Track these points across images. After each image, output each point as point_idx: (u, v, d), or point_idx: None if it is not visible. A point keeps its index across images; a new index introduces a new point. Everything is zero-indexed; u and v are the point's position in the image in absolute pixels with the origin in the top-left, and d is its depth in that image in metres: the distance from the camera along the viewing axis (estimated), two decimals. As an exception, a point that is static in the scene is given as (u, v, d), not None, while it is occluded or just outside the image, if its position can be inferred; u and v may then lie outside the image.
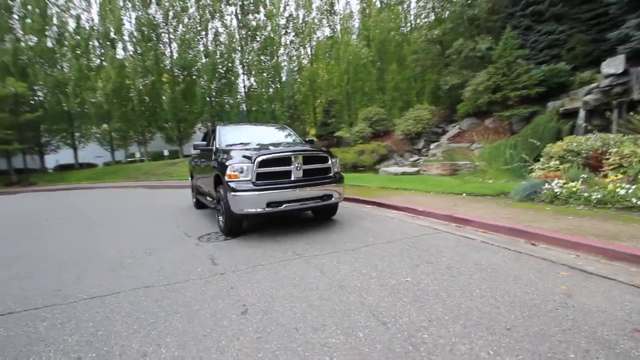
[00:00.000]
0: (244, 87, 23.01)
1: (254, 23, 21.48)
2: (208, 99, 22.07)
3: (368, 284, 2.80)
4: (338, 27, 21.64)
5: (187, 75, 21.99)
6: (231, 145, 5.25)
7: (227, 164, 4.40)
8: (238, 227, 4.61)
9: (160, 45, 21.80)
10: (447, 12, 17.68)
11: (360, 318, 2.25)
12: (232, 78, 22.20)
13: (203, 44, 22.20)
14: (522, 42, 17.57)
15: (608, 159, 4.79)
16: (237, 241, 4.40)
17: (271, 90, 20.49)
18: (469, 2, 16.91)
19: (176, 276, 3.21)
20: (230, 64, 21.91)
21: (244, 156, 4.39)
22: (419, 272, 3.00)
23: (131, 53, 21.74)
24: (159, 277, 3.20)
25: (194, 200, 7.66)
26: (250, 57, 21.99)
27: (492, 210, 4.83)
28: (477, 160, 9.06)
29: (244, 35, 21.65)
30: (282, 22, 20.62)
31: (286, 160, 4.43)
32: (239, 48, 21.78)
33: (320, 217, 5.46)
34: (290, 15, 20.85)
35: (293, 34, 21.26)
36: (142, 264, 3.72)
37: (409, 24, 21.45)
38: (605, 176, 4.68)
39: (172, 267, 3.48)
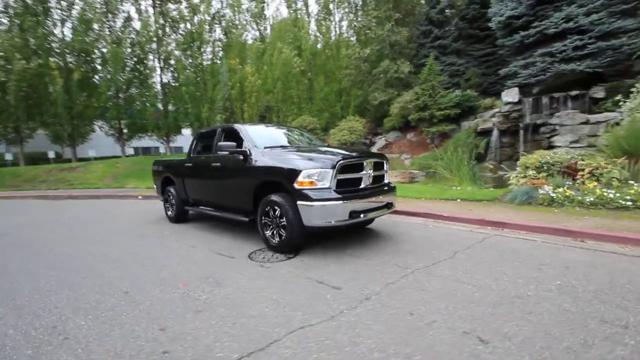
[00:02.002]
0: (161, 83, 20.20)
1: (175, 13, 19.15)
2: (112, 92, 18.49)
3: (525, 291, 2.81)
4: (269, 32, 21.19)
5: (86, 62, 18.00)
6: (270, 147, 4.58)
7: (296, 169, 3.82)
8: (302, 241, 4.03)
9: (49, 22, 17.32)
10: (373, 35, 19.22)
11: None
12: (147, 72, 19.21)
13: (109, 27, 18.60)
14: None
15: (583, 169, 6.04)
16: (308, 258, 3.85)
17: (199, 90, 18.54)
18: (393, 29, 18.78)
19: (308, 326, 2.35)
20: (142, 55, 18.92)
21: (318, 161, 3.88)
22: (544, 274, 3.16)
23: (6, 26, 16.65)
24: (284, 331, 2.26)
25: (171, 212, 6.34)
26: (169, 50, 19.49)
27: (510, 213, 5.46)
28: (438, 168, 10.06)
29: (163, 25, 19.09)
30: (209, 18, 18.95)
31: (360, 167, 4.12)
32: (156, 39, 19.05)
33: (357, 227, 5.21)
34: (218, 12, 19.38)
35: (221, 32, 19.80)
36: (223, 304, 2.90)
37: (337, 40, 22.52)
38: (583, 183, 5.88)
39: (281, 311, 2.61)
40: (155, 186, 7.08)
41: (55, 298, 3.03)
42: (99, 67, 18.79)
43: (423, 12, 20.74)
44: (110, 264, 3.99)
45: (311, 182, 3.75)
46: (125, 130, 20.39)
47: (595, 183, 5.67)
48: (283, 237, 3.98)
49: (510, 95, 14.77)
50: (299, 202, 3.77)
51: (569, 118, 11.77)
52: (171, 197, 6.34)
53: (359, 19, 21.22)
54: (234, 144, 4.59)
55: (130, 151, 25.71)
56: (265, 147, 4.56)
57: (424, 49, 21.14)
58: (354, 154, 4.13)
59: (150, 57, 19.62)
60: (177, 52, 19.25)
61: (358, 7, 22.79)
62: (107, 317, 2.62)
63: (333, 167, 3.78)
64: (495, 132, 13.93)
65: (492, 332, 2.17)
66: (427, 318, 2.38)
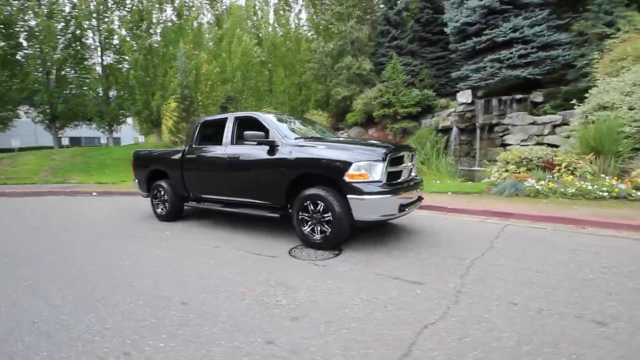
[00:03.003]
0: (102, 65, 17.77)
1: (117, -12, 16.93)
2: (41, 72, 15.73)
3: (585, 274, 3.04)
4: (226, 18, 19.89)
5: (7, 36, 14.95)
6: (302, 138, 4.31)
7: (347, 161, 3.64)
8: (346, 237, 3.86)
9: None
10: (336, 30, 19.30)
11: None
12: (84, 51, 16.68)
13: (37, -2, 15.70)
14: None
15: (560, 164, 6.76)
16: (356, 254, 3.71)
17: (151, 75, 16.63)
18: (355, 26, 19.04)
19: (430, 325, 2.22)
20: (80, 32, 16.41)
21: (367, 153, 3.74)
22: (583, 258, 3.44)
23: None
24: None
25: (161, 210, 5.67)
26: (112, 28, 17.22)
27: (507, 204, 5.90)
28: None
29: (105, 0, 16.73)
30: (158, -4, 17.14)
31: (401, 159, 4.07)
32: (96, 14, 16.65)
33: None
34: (168, -10, 17.64)
35: (173, 13, 18.04)
36: (314, 308, 2.67)
37: (296, 32, 22.12)
38: (561, 176, 6.59)
39: (386, 312, 2.48)
40: (136, 180, 6.23)
41: (106, 318, 2.47)
42: (25, 43, 15.86)
43: (381, 12, 21.38)
44: (132, 272, 3.41)
45: (363, 175, 3.61)
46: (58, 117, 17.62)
47: (572, 177, 6.40)
48: (328, 233, 3.78)
49: (464, 96, 16.00)
50: (349, 196, 3.60)
51: (519, 119, 13.16)
52: (162, 193, 5.64)
53: (319, 13, 21.13)
54: (263, 133, 4.22)
55: (66, 141, 22.40)
56: (296, 139, 4.28)
57: (382, 48, 21.83)
58: (393, 146, 4.07)
59: (90, 34, 17.17)
60: (123, 32, 17.13)
61: (317, 1, 22.66)
62: (187, 334, 2.21)
63: (384, 160, 3.68)
64: (454, 130, 14.99)
65: (600, 314, 2.30)
66: (532, 306, 2.44)
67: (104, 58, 17.55)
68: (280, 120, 4.69)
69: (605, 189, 5.73)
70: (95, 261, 3.76)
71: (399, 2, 20.65)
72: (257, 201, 4.46)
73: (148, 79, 16.67)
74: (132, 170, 6.31)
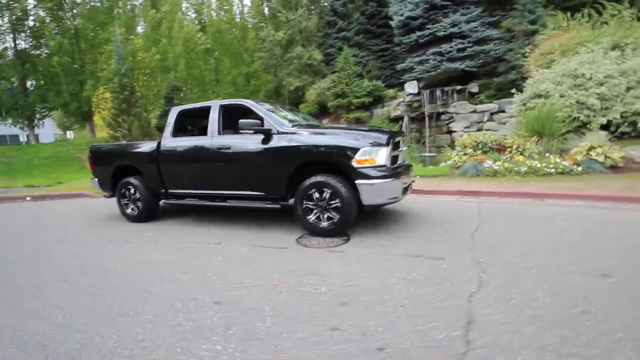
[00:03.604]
0: (15, 50, 15.10)
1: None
2: None
3: (593, 239, 3.49)
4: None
5: None
6: (295, 126, 4.21)
7: (355, 147, 3.65)
8: (354, 221, 3.90)
9: None
10: (284, 19, 18.95)
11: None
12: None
13: None
14: (337, 60, 21.60)
15: (511, 146, 7.55)
16: (364, 238, 3.78)
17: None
18: (306, 14, 18.89)
19: (474, 294, 2.36)
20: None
21: (371, 138, 3.79)
22: (571, 225, 3.93)
23: None
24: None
25: (132, 210, 5.15)
26: (25, 7, 14.67)
27: (473, 184, 6.46)
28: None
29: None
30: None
31: (398, 144, 4.20)
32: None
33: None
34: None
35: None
36: (355, 292, 2.69)
37: (242, 20, 21.19)
38: (512, 157, 7.37)
39: (428, 288, 2.58)
40: (96, 179, 5.51)
41: (134, 329, 2.19)
42: None
43: (328, 2, 21.46)
44: (136, 277, 3.06)
45: (370, 160, 3.66)
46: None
47: (522, 157, 7.21)
48: (336, 220, 3.78)
49: (411, 87, 16.93)
50: (358, 181, 3.64)
51: (462, 108, 14.35)
52: (133, 191, 5.09)
53: (265, 0, 20.52)
54: (259, 121, 4.03)
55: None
56: (293, 127, 4.17)
57: (329, 38, 22.00)
58: (391, 131, 4.18)
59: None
60: (40, 12, 14.75)
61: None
62: (241, 332, 2.07)
63: (388, 144, 3.77)
64: (406, 119, 15.82)
65: (600, 269, 2.67)
66: (547, 269, 2.73)
67: (17, 42, 14.98)
68: (270, 108, 4.51)
69: (551, 166, 6.57)
70: (82, 271, 3.29)
71: (345, -8, 20.94)
72: (253, 193, 4.27)
73: (75, 66, 14.70)
74: (90, 168, 5.58)
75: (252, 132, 4.00)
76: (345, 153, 3.68)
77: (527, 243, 3.35)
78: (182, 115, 4.90)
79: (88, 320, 2.34)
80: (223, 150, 4.31)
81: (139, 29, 17.72)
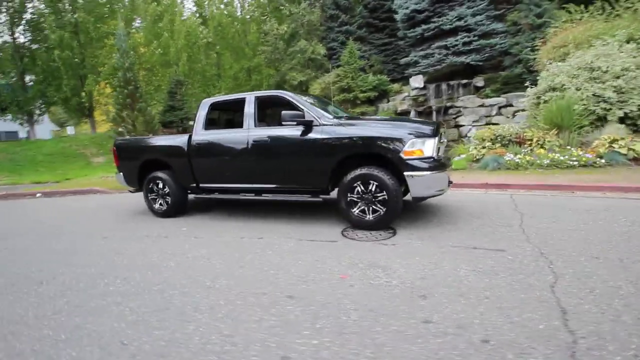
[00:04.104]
0: (14, 43, 14.65)
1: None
2: None
3: None
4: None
5: None
6: (336, 118, 4.13)
7: (404, 138, 3.59)
8: (399, 214, 3.86)
9: None
10: (287, 12, 18.72)
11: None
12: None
13: None
14: (340, 54, 21.48)
15: (531, 139, 7.56)
16: (409, 231, 3.73)
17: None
18: (310, 7, 18.66)
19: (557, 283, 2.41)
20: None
21: (417, 129, 3.73)
22: (615, 216, 3.92)
23: None
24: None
25: (161, 205, 5.05)
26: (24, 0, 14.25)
27: (498, 177, 6.44)
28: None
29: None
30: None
31: (441, 136, 4.15)
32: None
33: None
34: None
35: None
36: (430, 286, 2.64)
37: (243, 14, 20.89)
38: (532, 150, 7.39)
39: (508, 279, 2.59)
40: (121, 174, 5.38)
41: (216, 325, 2.12)
42: None
43: (331, -5, 21.22)
44: (194, 274, 2.98)
45: (419, 151, 3.61)
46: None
47: (543, 150, 7.22)
48: (382, 213, 3.73)
49: (417, 81, 16.88)
50: (407, 173, 3.58)
51: (470, 102, 14.35)
52: (161, 186, 4.98)
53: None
54: (302, 113, 3.95)
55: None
56: (335, 117, 4.10)
57: (332, 32, 21.80)
58: (436, 122, 4.12)
59: None
60: (40, 5, 14.34)
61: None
62: (330, 326, 2.02)
63: (435, 135, 3.72)
64: (412, 113, 15.77)
65: (668, 259, 2.67)
66: (611, 258, 2.72)
67: (16, 36, 14.53)
68: (309, 100, 4.42)
69: (574, 158, 6.60)
70: (131, 267, 3.20)
71: (348, -14, 20.74)
72: (292, 186, 4.20)
73: (77, 61, 14.38)
74: (115, 163, 5.44)
75: (295, 124, 3.92)
76: (393, 145, 3.62)
77: (579, 234, 3.34)
78: (213, 108, 4.78)
79: (161, 316, 2.26)
80: (262, 143, 4.22)
81: (139, 23, 17.33)
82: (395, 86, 18.31)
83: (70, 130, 15.24)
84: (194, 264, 3.18)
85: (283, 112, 3.87)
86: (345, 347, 1.83)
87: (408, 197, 3.88)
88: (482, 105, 14.09)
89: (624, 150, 6.36)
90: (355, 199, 3.85)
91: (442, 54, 16.29)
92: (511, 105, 13.41)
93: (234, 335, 1.99)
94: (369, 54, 21.11)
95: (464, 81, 16.06)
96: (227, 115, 4.99)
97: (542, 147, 7.38)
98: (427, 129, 3.75)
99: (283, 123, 3.91)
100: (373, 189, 3.74)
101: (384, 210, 3.73)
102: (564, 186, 5.55)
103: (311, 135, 3.93)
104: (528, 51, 14.07)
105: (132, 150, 5.28)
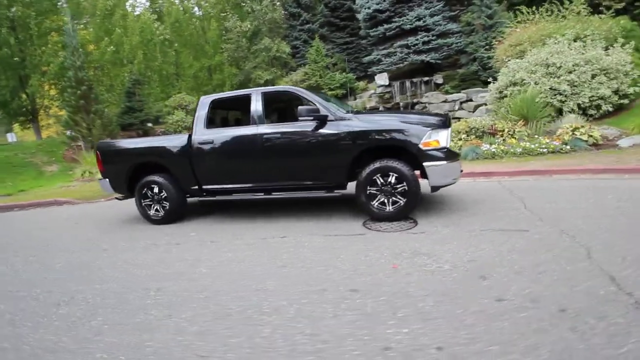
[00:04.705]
0: None
1: None
2: None
3: None
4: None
5: None
6: (349, 112, 4.14)
7: (423, 129, 3.70)
8: (417, 204, 3.96)
9: None
10: (249, 10, 18.30)
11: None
12: None
13: None
14: (303, 52, 21.56)
15: (503, 130, 8.14)
16: (428, 220, 3.86)
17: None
18: (272, 5, 18.40)
19: None
20: None
21: (431, 120, 3.85)
22: (604, 194, 4.37)
23: None
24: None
25: (157, 210, 4.70)
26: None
27: (479, 166, 6.85)
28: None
29: None
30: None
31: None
32: None
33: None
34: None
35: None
36: (486, 269, 2.75)
37: (205, 10, 20.00)
38: (504, 140, 7.97)
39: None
40: (106, 180, 4.89)
41: (293, 325, 2.02)
42: None
43: (291, -7, 21.08)
44: (233, 279, 2.81)
45: (436, 142, 3.73)
46: None
47: (514, 140, 7.82)
48: (402, 204, 3.81)
49: (382, 79, 17.42)
50: (427, 163, 3.69)
51: (435, 98, 15.10)
52: (157, 191, 4.62)
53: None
54: (316, 108, 3.89)
55: None
56: (346, 112, 4.10)
57: (294, 31, 21.73)
58: (445, 114, 4.28)
59: None
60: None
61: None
62: (414, 313, 2.03)
63: (448, 126, 3.87)
64: (381, 109, 16.24)
65: (667, 227, 3.04)
66: None
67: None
68: (317, 94, 4.37)
69: (543, 146, 7.23)
70: (158, 277, 2.94)
71: (307, -16, 20.76)
72: (307, 182, 4.13)
73: (17, 59, 12.83)
74: (99, 168, 4.94)
75: (312, 119, 3.86)
76: (413, 136, 3.71)
77: (586, 212, 3.65)
78: (215, 105, 4.53)
79: (226, 324, 2.12)
80: (274, 140, 4.09)
81: (87, 19, 15.86)
82: (361, 84, 18.73)
83: (10, 137, 13.51)
84: (228, 268, 3.01)
85: (300, 107, 3.80)
86: (439, 332, 1.85)
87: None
88: (445, 101, 14.91)
89: (585, 137, 7.10)
90: (374, 192, 3.89)
91: (404, 52, 16.91)
92: (471, 100, 14.34)
93: (318, 334, 1.93)
94: (332, 53, 21.33)
95: (426, 78, 16.86)
96: (229, 112, 4.76)
97: (512, 137, 7.99)
98: (440, 120, 3.89)
99: (300, 118, 3.83)
100: (393, 181, 3.81)
101: (404, 201, 3.81)
102: (542, 171, 6.07)
103: (328, 130, 3.90)
104: (482, 50, 15.16)
105: (120, 153, 4.83)
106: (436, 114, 4.17)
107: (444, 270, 2.57)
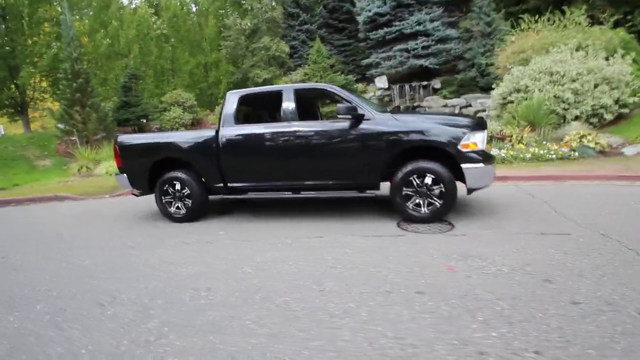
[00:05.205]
0: None
1: None
2: None
3: None
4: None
5: None
6: (385, 112, 4.10)
7: (462, 131, 3.69)
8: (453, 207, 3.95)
9: None
10: (248, 7, 18.10)
11: None
12: None
13: None
14: (301, 52, 21.56)
15: (511, 135, 8.26)
16: (465, 223, 3.85)
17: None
18: (271, 4, 18.25)
19: None
20: None
21: (468, 122, 3.85)
22: (623, 199, 4.47)
23: None
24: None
25: (179, 208, 4.54)
26: None
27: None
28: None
29: None
30: None
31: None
32: None
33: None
34: None
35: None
36: (550, 271, 2.74)
37: (203, 6, 19.66)
38: (512, 145, 8.09)
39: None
40: (124, 175, 4.69)
41: (372, 321, 1.95)
42: None
43: (291, -7, 20.97)
44: (289, 279, 2.71)
45: (474, 144, 3.73)
46: None
47: (523, 145, 7.96)
48: (439, 206, 3.79)
49: (381, 82, 17.54)
50: (465, 165, 3.68)
51: (434, 102, 15.28)
52: (180, 187, 4.46)
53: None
54: (354, 106, 3.83)
55: None
56: (382, 112, 4.06)
57: (292, 31, 21.62)
58: (478, 117, 4.30)
59: None
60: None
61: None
62: (521, 319, 1.99)
63: (485, 129, 3.88)
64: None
65: None
66: (664, 234, 3.10)
67: None
68: (353, 93, 4.30)
69: (552, 152, 7.38)
70: (201, 277, 2.80)
71: (306, -15, 20.72)
72: (340, 182, 4.06)
73: (8, 49, 12.28)
74: (117, 163, 4.74)
75: (351, 117, 3.79)
76: (452, 137, 3.69)
77: (617, 216, 3.67)
78: (244, 101, 4.41)
79: (299, 326, 2.02)
80: (308, 138, 4.00)
81: (83, 10, 15.35)
82: (360, 86, 18.77)
83: (-1, 129, 13.02)
84: (274, 268, 2.90)
85: (339, 105, 3.74)
86: (530, 336, 1.81)
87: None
88: (445, 106, 15.10)
89: (592, 144, 7.29)
90: (410, 193, 3.85)
91: (404, 56, 17.03)
92: (470, 106, 14.58)
93: (403, 337, 1.86)
94: (330, 54, 21.33)
95: (424, 83, 17.06)
96: (258, 108, 4.64)
97: (520, 142, 8.13)
98: (477, 122, 3.90)
99: (339, 116, 3.77)
100: (429, 182, 3.78)
101: (441, 202, 3.79)
102: (556, 176, 6.18)
103: (366, 129, 3.84)
104: (480, 56, 15.44)
105: (141, 148, 4.64)
106: (472, 116, 4.18)
107: (505, 273, 2.55)
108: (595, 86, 8.78)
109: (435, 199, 3.80)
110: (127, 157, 4.66)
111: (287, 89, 4.27)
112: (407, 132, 3.79)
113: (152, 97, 16.82)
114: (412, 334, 1.89)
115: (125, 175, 4.71)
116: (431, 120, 3.89)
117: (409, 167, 3.79)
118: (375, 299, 2.29)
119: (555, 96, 9.00)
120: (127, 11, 15.54)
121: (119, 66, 15.49)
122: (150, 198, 4.86)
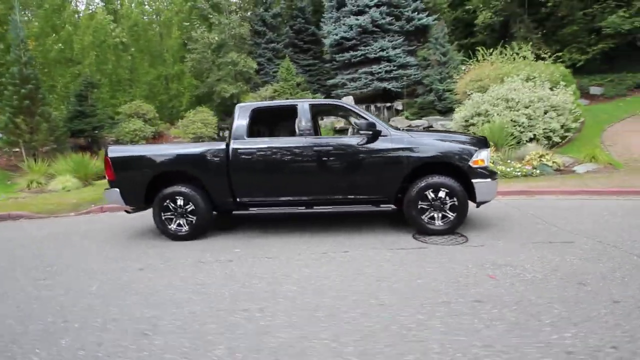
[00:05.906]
0: None
1: None
2: None
3: None
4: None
5: None
6: (397, 129, 4.27)
7: (473, 148, 3.96)
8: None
9: None
10: (216, 22, 17.88)
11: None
12: None
13: None
14: (267, 70, 21.73)
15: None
16: (476, 234, 4.08)
17: None
18: (239, 21, 18.20)
19: None
20: None
21: (474, 140, 4.15)
22: (613, 210, 5.05)
23: None
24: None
25: (180, 226, 4.24)
26: None
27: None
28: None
29: None
30: None
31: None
32: None
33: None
34: None
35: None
36: (583, 278, 2.97)
37: (165, 17, 18.93)
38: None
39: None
40: (117, 190, 4.23)
41: (432, 328, 1.95)
42: None
43: (258, 13, 21.14)
44: (332, 296, 2.63)
45: (482, 161, 4.02)
46: None
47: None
48: (452, 219, 3.99)
49: (348, 102, 18.16)
50: (476, 180, 3.94)
51: (400, 123, 16.10)
52: (182, 203, 4.16)
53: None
54: (374, 122, 3.93)
55: None
56: (395, 129, 4.22)
57: (259, 48, 21.72)
58: (481, 135, 4.64)
59: None
60: None
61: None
62: (582, 321, 2.12)
63: (488, 146, 4.21)
64: (350, 130, 16.76)
65: (675, 238, 3.64)
66: (647, 240, 3.56)
67: None
68: (366, 111, 4.42)
69: (517, 170, 8.16)
70: (245, 298, 2.61)
71: (274, 5, 21.12)
72: (359, 197, 4.10)
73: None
74: (108, 177, 4.28)
75: (371, 133, 3.88)
76: (465, 154, 3.95)
77: (605, 226, 4.13)
78: (254, 114, 4.29)
79: (383, 342, 1.98)
80: (326, 153, 4.01)
81: (32, 11, 13.95)
82: (327, 105, 19.27)
83: None
84: (318, 284, 2.81)
85: (359, 121, 3.83)
86: (599, 333, 1.96)
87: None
88: (409, 127, 16.02)
89: (550, 163, 8.20)
90: (425, 206, 4.01)
91: (368, 79, 17.94)
92: (432, 127, 15.65)
93: (491, 344, 1.91)
94: (296, 73, 21.72)
95: (388, 104, 18.04)
96: (271, 122, 4.54)
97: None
98: (482, 140, 4.22)
99: (360, 132, 3.85)
100: (443, 196, 3.98)
101: (454, 215, 3.99)
102: (527, 191, 6.83)
103: (384, 145, 3.96)
104: (437, 82, 16.78)
105: (139, 160, 4.24)
106: (473, 135, 4.51)
107: (540, 279, 2.74)
108: (545, 112, 9.97)
109: (448, 212, 4.00)
110: (123, 170, 4.24)
111: (301, 103, 4.27)
112: (424, 149, 3.98)
113: (106, 107, 15.64)
114: (496, 341, 1.95)
115: (117, 189, 4.27)
116: (444, 139, 4.13)
117: (425, 182, 3.96)
118: (439, 309, 2.33)
119: (512, 120, 10.03)
120: (84, 16, 14.46)
121: (70, 73, 14.22)
122: (132, 216, 4.47)
